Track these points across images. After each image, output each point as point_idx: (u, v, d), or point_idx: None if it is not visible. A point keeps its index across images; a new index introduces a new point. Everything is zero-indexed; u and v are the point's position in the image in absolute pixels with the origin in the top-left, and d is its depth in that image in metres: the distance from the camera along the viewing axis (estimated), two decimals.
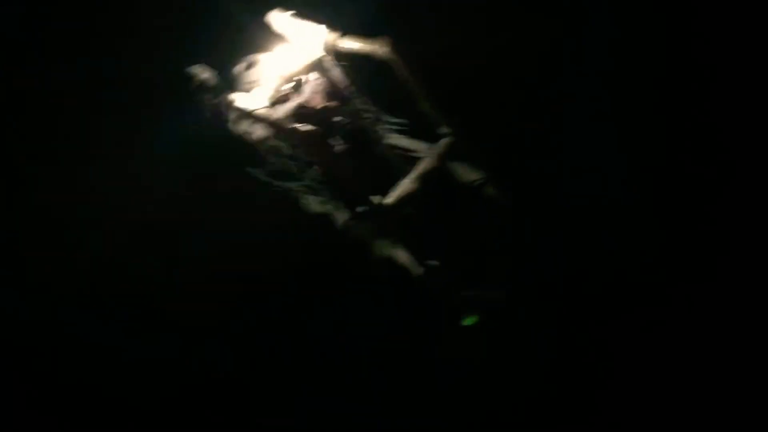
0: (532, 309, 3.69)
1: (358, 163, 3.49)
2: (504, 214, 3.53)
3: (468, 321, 3.56)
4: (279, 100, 3.61)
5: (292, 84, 3.67)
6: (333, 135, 3.57)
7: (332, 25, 3.67)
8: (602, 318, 3.69)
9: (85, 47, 4.58)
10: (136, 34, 4.61)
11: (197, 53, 3.90)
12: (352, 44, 3.55)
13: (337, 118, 3.65)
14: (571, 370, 3.66)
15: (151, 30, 4.59)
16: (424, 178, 3.44)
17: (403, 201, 3.40)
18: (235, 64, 3.82)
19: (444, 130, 3.50)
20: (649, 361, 3.55)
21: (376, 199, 3.36)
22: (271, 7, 3.78)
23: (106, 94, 4.55)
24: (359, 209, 3.46)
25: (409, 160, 3.69)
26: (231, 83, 3.76)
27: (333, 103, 3.68)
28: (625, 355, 3.60)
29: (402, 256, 3.51)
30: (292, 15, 3.73)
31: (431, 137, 3.56)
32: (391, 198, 3.41)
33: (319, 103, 3.67)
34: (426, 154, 3.55)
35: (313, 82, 3.71)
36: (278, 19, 3.78)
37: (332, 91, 3.70)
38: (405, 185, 3.45)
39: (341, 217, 3.63)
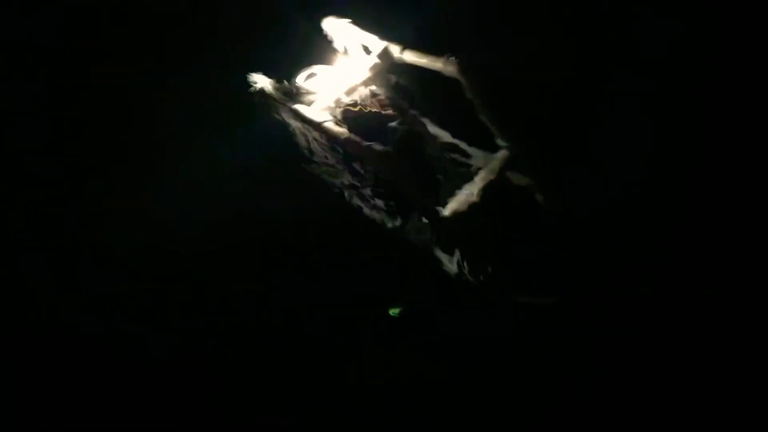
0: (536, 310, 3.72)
1: (412, 169, 3.56)
2: (553, 220, 3.56)
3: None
4: (338, 110, 3.75)
5: (352, 94, 3.80)
6: (389, 142, 3.61)
7: (391, 37, 3.81)
8: (605, 319, 3.71)
9: (153, 57, 4.65)
10: (203, 45, 4.67)
11: (261, 62, 4.03)
12: (417, 59, 3.66)
13: (393, 125, 3.74)
14: (572, 371, 3.68)
15: (217, 40, 4.67)
16: (483, 191, 3.45)
17: (461, 213, 3.41)
18: (297, 73, 3.93)
19: (501, 142, 3.53)
20: (651, 361, 3.58)
21: (438, 210, 3.39)
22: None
23: (174, 99, 4.58)
24: (421, 219, 3.54)
25: (460, 167, 3.75)
26: (292, 92, 3.86)
27: (391, 112, 3.79)
28: (627, 356, 3.63)
29: (452, 262, 3.54)
30: (349, 23, 3.89)
31: (487, 148, 3.60)
32: (448, 210, 3.42)
33: (377, 111, 3.78)
34: (482, 165, 3.57)
35: (372, 92, 3.82)
36: (338, 29, 3.93)
37: (390, 100, 3.82)
38: (464, 198, 3.46)
39: (393, 222, 3.72)
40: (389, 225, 3.74)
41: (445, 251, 3.59)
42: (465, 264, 3.48)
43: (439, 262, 3.61)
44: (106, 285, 4.31)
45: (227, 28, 4.73)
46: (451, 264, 3.55)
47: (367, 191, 3.80)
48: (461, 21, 4.44)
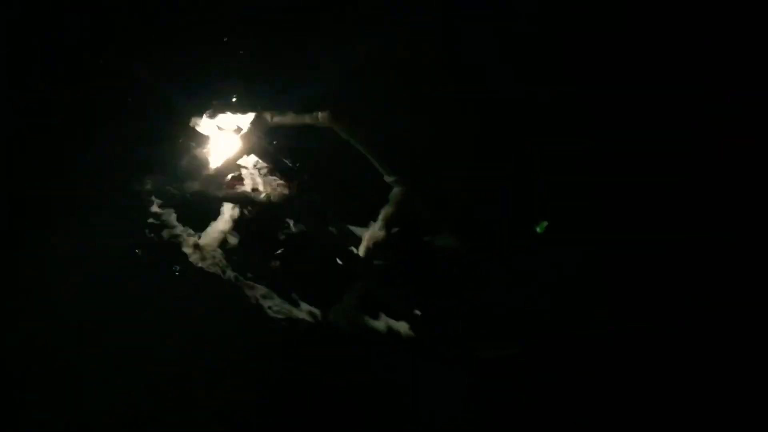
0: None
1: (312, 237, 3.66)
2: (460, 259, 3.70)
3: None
4: (227, 190, 3.84)
5: (236, 173, 3.89)
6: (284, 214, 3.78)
7: (267, 107, 3.88)
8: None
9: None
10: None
11: (141, 147, 4.05)
12: (291, 119, 3.79)
13: (284, 195, 3.83)
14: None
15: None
16: (388, 224, 3.61)
17: (373, 249, 3.56)
18: (180, 157, 3.96)
19: (391, 179, 3.73)
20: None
21: (352, 251, 3.53)
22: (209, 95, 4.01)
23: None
24: (336, 258, 3.61)
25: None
26: (178, 177, 3.89)
27: (279, 184, 3.88)
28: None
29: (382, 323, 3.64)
30: (213, 112, 3.98)
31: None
32: (361, 248, 3.57)
33: (264, 185, 3.88)
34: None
35: (256, 166, 3.89)
36: (210, 117, 4.00)
37: (273, 167, 3.90)
38: (372, 234, 3.61)
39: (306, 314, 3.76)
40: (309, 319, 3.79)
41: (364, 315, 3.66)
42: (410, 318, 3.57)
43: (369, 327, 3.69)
44: None
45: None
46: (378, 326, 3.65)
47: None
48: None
